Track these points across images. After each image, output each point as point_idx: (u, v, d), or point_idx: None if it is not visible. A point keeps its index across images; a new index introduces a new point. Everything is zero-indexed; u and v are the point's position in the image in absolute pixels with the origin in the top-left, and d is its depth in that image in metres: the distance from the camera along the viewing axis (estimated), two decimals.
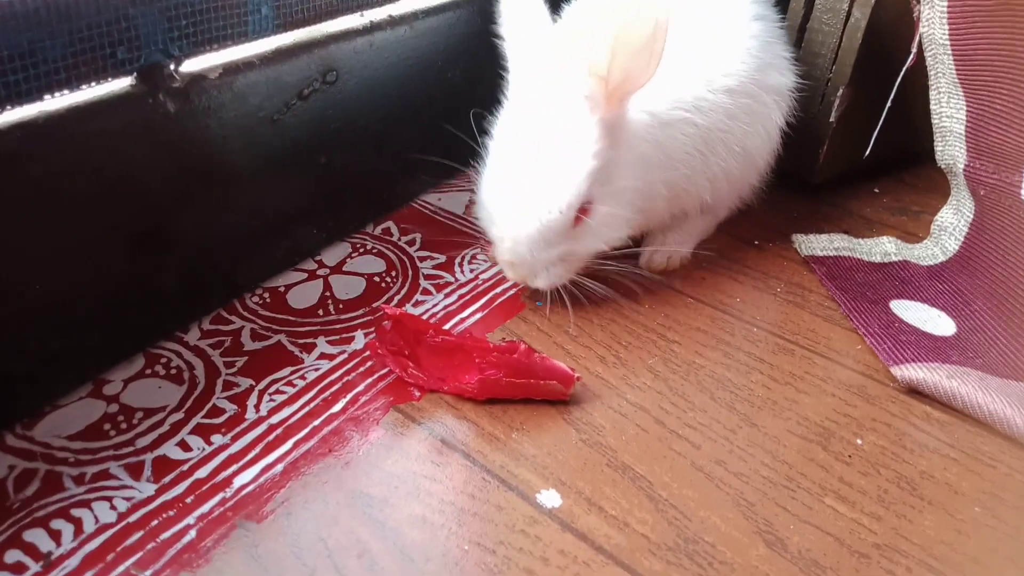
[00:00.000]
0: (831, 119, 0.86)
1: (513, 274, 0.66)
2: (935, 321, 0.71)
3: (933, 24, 0.71)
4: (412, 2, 0.77)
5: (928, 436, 0.59)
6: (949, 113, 0.74)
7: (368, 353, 0.63)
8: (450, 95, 0.85)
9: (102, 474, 0.51)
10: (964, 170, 0.75)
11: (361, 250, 0.77)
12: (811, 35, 0.84)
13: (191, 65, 0.57)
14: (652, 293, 0.73)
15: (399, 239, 0.80)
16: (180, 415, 0.56)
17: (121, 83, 0.54)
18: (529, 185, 0.62)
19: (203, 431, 0.55)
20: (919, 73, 0.76)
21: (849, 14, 0.81)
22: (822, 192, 0.92)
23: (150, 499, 0.50)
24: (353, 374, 0.61)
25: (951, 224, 0.80)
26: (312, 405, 0.58)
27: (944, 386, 0.61)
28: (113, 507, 0.49)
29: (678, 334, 0.68)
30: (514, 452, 0.55)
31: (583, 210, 0.63)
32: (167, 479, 0.52)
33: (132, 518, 0.49)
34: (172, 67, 0.55)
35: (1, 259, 0.50)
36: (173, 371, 0.60)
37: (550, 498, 0.52)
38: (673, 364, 0.65)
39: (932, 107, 0.76)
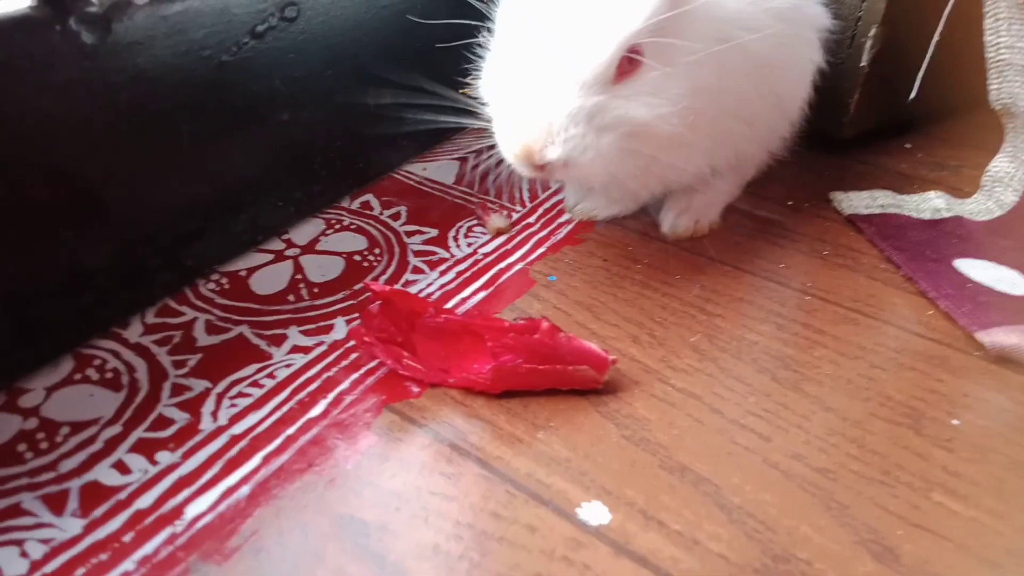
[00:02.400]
0: (862, 63, 0.76)
1: (523, 138, 0.49)
2: (1010, 280, 0.61)
3: None
4: None
5: None
6: (1009, 43, 0.65)
7: (352, 343, 0.52)
8: (430, 51, 0.73)
9: (11, 510, 0.40)
10: None
11: (337, 226, 0.65)
12: None
13: None
14: (682, 261, 0.63)
15: (381, 213, 0.68)
16: (116, 429, 0.44)
17: (17, 3, 0.41)
18: (568, 8, 0.48)
19: (146, 448, 0.43)
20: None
21: None
22: (851, 150, 0.82)
23: (75, 539, 0.38)
24: (334, 369, 0.50)
25: (1007, 174, 0.71)
26: (284, 409, 0.46)
27: None
28: (24, 553, 0.38)
29: (720, 306, 0.57)
30: (543, 456, 0.44)
31: (631, 61, 0.49)
32: (98, 512, 0.40)
33: (50, 566, 0.37)
34: None
35: None
36: (108, 375, 0.48)
37: (595, 513, 0.41)
38: (720, 341, 0.54)
39: (987, 39, 0.66)
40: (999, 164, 0.72)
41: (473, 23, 0.59)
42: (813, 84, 0.67)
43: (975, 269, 0.63)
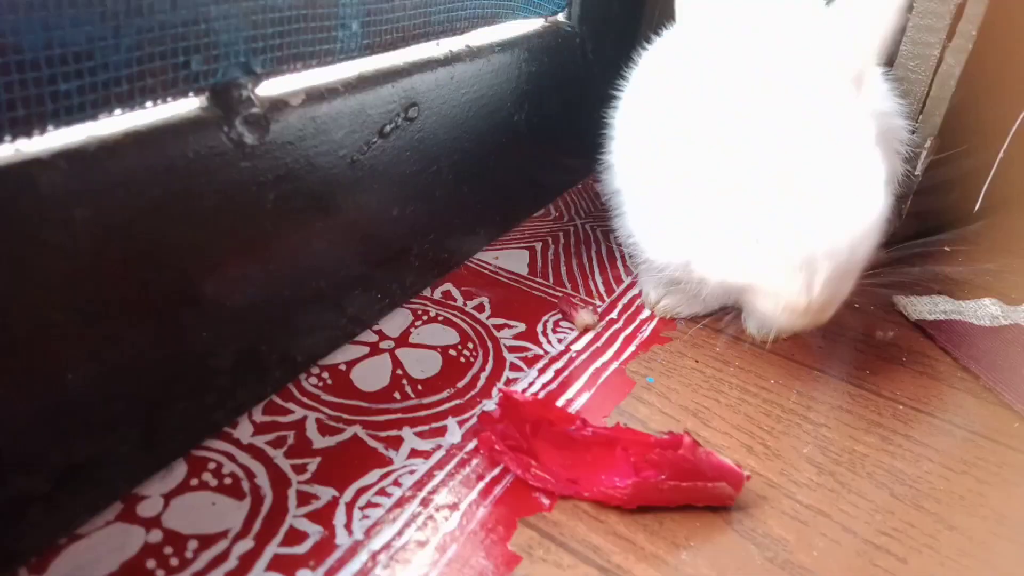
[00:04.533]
0: (917, 172, 0.80)
1: (813, 318, 0.52)
2: None
3: None
4: (486, 34, 0.67)
5: None
6: None
7: (470, 447, 0.50)
8: (514, 140, 0.75)
9: None
10: None
11: (424, 318, 0.65)
12: (896, 83, 0.79)
13: (269, 88, 0.45)
14: (773, 365, 0.64)
15: (464, 304, 0.68)
16: (249, 543, 0.42)
17: (189, 104, 0.41)
18: (832, 189, 0.49)
19: (285, 566, 0.41)
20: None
21: (941, 61, 0.76)
22: (897, 251, 0.86)
23: None
24: (458, 476, 0.48)
25: None
26: (420, 522, 0.45)
27: None
28: None
29: (821, 415, 0.58)
30: None
31: None
32: None
33: None
34: (251, 87, 0.43)
35: (21, 338, 0.36)
36: (227, 480, 0.46)
37: None
38: (832, 453, 0.54)
39: None
40: None
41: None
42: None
43: None
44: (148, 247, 0.41)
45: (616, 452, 0.47)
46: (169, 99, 0.40)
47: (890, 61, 0.79)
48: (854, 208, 0.50)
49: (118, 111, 0.38)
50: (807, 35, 0.54)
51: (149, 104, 0.39)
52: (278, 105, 0.46)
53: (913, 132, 0.78)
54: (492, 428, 0.50)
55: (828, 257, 0.50)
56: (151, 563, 0.40)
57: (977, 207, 0.75)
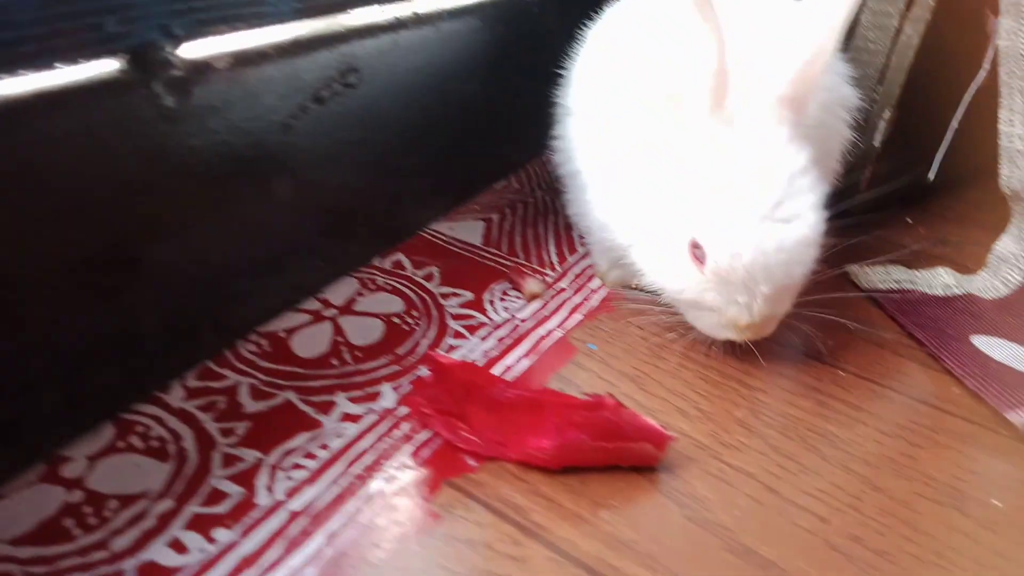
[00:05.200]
0: (876, 143, 0.80)
1: (756, 332, 0.55)
2: None
3: (1018, 36, 0.65)
4: (436, 1, 0.67)
5: None
6: (1022, 134, 0.69)
7: (402, 411, 0.51)
8: (469, 111, 0.74)
9: None
10: None
11: (371, 286, 0.65)
12: (856, 54, 0.79)
13: (193, 50, 0.45)
14: None
15: (414, 273, 0.68)
16: (169, 503, 0.43)
17: (106, 65, 0.41)
18: (784, 216, 0.51)
19: (202, 524, 0.42)
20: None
21: (899, 32, 0.75)
22: (858, 224, 0.85)
23: None
24: (387, 440, 0.49)
25: (1012, 254, 0.74)
26: (343, 483, 0.45)
27: None
28: None
29: (760, 380, 0.58)
30: (608, 538, 0.44)
31: None
32: None
33: None
34: (171, 50, 0.43)
35: None
36: (154, 443, 0.47)
37: None
38: (765, 417, 0.55)
39: (1001, 128, 0.70)
40: (1005, 244, 0.75)
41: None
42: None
43: (993, 347, 0.65)
44: (68, 209, 0.41)
45: (542, 414, 0.47)
46: (82, 61, 0.40)
47: (849, 32, 0.78)
48: (789, 232, 0.51)
49: (24, 72, 0.37)
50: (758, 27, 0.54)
51: (59, 65, 0.38)
52: (201, 68, 0.46)
53: (872, 103, 0.78)
54: (424, 393, 0.50)
55: (766, 281, 0.51)
56: (69, 522, 0.41)
57: (932, 176, 0.75)
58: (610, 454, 0.47)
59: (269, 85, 0.50)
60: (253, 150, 0.51)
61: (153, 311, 0.49)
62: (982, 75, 0.69)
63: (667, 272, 0.55)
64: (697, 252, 0.52)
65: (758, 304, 0.53)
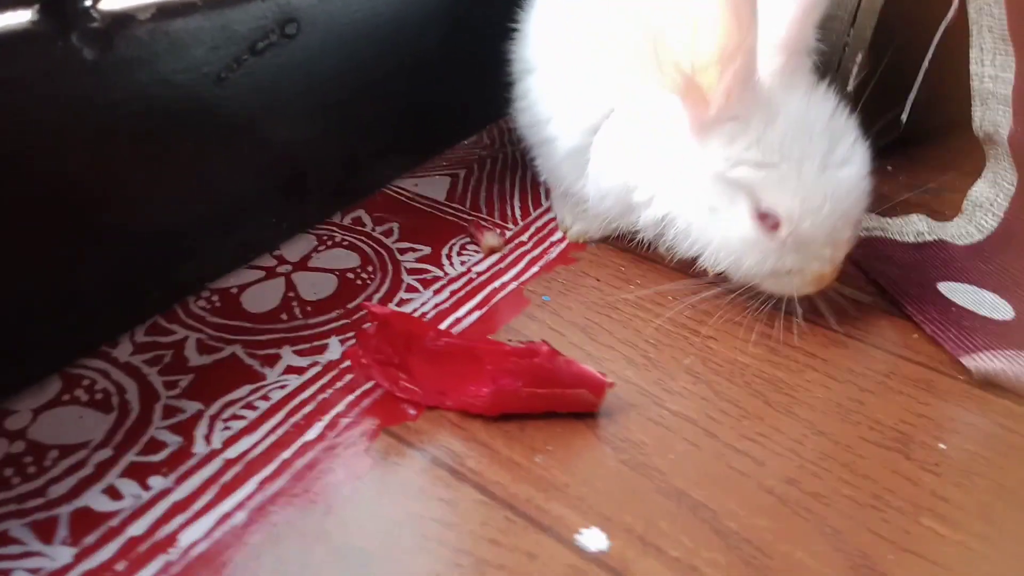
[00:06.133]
0: (848, 88, 0.78)
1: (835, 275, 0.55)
2: (991, 304, 0.62)
3: None
4: None
5: (1018, 436, 0.50)
6: (993, 74, 0.67)
7: (347, 364, 0.51)
8: (426, 64, 0.73)
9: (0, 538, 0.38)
10: (1008, 137, 0.68)
11: (329, 243, 0.65)
12: None
13: (114, 1, 0.45)
14: (673, 283, 0.63)
15: (373, 229, 0.68)
16: (107, 452, 0.44)
17: (18, 17, 0.41)
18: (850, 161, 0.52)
19: (138, 472, 0.43)
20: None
21: None
22: None
23: (66, 568, 0.37)
24: (329, 391, 0.49)
25: (987, 199, 0.73)
26: (280, 432, 0.46)
27: None
28: None
29: (712, 328, 0.58)
30: (541, 481, 0.44)
31: None
32: (90, 539, 0.39)
33: None
34: (89, 1, 0.43)
35: None
36: (98, 396, 0.47)
37: (594, 539, 0.41)
38: (714, 364, 0.54)
39: (972, 68, 0.68)
40: (980, 189, 0.73)
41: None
42: None
43: (958, 293, 0.64)
44: None
45: (479, 363, 0.47)
46: None
47: None
48: (850, 172, 0.52)
49: None
50: None
51: None
52: (122, 20, 0.45)
53: (845, 47, 0.76)
54: (367, 344, 0.50)
55: (845, 227, 0.52)
56: (9, 471, 0.42)
57: (904, 118, 0.73)
58: (546, 401, 0.47)
59: (198, 36, 0.49)
60: (186, 103, 0.50)
61: (96, 268, 0.50)
62: (951, 14, 0.66)
63: (739, 250, 0.54)
64: (767, 221, 0.52)
65: (840, 249, 0.53)
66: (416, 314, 0.57)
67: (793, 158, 0.50)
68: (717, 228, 0.54)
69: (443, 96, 0.79)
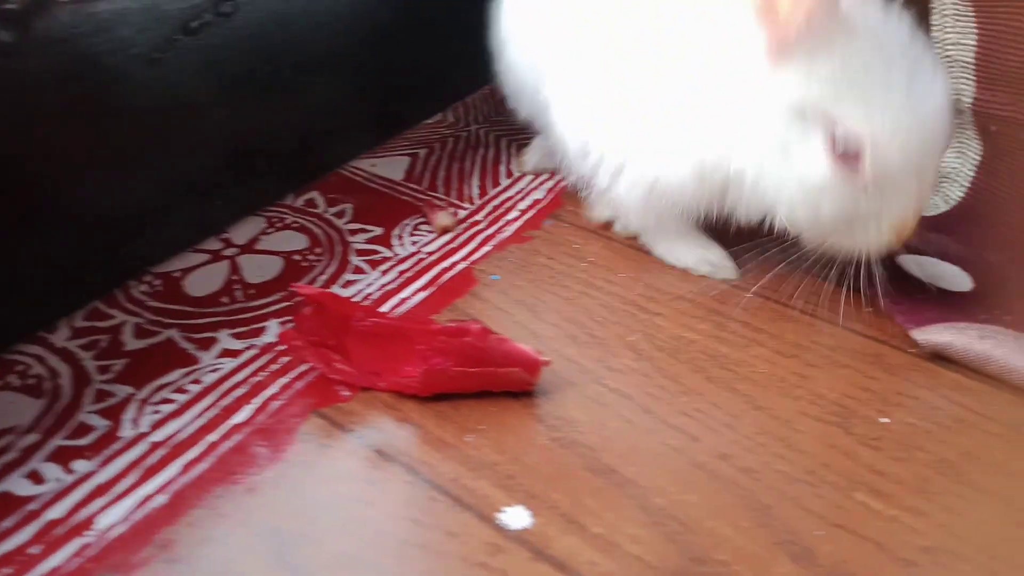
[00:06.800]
0: None
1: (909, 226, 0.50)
2: (951, 276, 0.61)
3: None
4: None
5: (964, 409, 0.49)
6: (954, 40, 0.65)
7: (284, 347, 0.51)
8: (382, 41, 0.72)
9: None
10: (972, 105, 0.66)
11: (279, 225, 0.64)
12: None
13: None
14: (628, 260, 0.62)
15: (326, 211, 0.67)
16: (35, 437, 0.44)
17: None
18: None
19: (63, 456, 0.43)
20: None
21: None
22: None
23: None
24: (263, 374, 0.49)
25: (954, 169, 0.71)
26: (209, 415, 0.46)
27: (976, 349, 0.52)
28: None
29: (661, 305, 0.57)
30: (469, 460, 0.44)
31: None
32: (7, 523, 0.39)
33: None
34: None
35: None
36: (31, 381, 0.47)
37: (517, 517, 0.40)
38: (659, 340, 0.54)
39: (934, 34, 0.66)
40: (948, 160, 0.72)
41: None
42: None
43: (917, 265, 0.63)
44: None
45: (412, 343, 0.47)
46: None
47: None
48: (934, 101, 0.47)
49: None
50: None
51: None
52: (43, 2, 0.44)
53: None
54: (304, 326, 0.50)
55: (932, 162, 0.48)
56: None
57: None
58: (479, 380, 0.47)
59: (125, 17, 0.49)
60: (118, 85, 0.50)
61: (34, 253, 0.49)
62: None
63: (816, 196, 0.49)
64: (845, 157, 0.47)
65: (927, 189, 0.49)
66: (361, 295, 0.57)
67: (877, 80, 0.46)
68: (791, 172, 0.49)
69: (403, 74, 0.78)
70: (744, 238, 0.59)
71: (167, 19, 0.52)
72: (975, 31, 0.64)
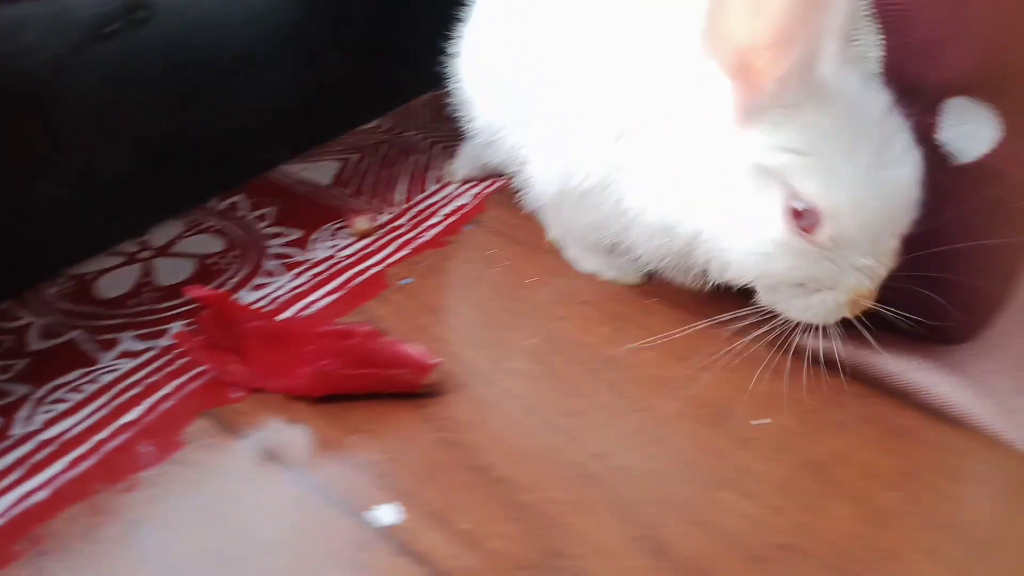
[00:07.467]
0: None
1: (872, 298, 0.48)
2: None
3: None
4: None
5: (842, 411, 0.51)
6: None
7: (184, 349, 0.52)
8: (309, 49, 0.74)
9: None
10: None
11: (198, 228, 0.66)
12: None
13: None
14: (542, 266, 0.64)
15: (247, 214, 0.68)
16: None
17: None
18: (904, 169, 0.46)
19: None
20: None
21: None
22: None
23: None
24: (158, 375, 0.50)
25: None
26: (100, 414, 0.47)
27: (858, 355, 0.53)
28: None
29: (567, 309, 0.59)
30: (350, 460, 0.45)
31: None
32: None
33: None
34: None
35: None
36: None
37: (388, 514, 0.42)
38: (558, 344, 0.55)
39: None
40: None
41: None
42: None
43: None
44: None
45: (302, 345, 0.48)
46: None
47: None
48: (901, 173, 0.46)
49: None
50: None
51: None
52: None
53: None
54: (205, 328, 0.51)
55: (892, 234, 0.46)
56: None
57: None
58: (368, 381, 0.48)
59: (28, 23, 0.50)
60: (26, 88, 0.51)
61: None
62: None
63: (768, 253, 0.47)
64: (803, 220, 0.45)
65: (883, 262, 0.46)
66: (270, 298, 0.58)
67: (842, 149, 0.44)
68: (746, 229, 0.48)
69: (333, 80, 0.79)
70: None
71: (76, 25, 0.53)
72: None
